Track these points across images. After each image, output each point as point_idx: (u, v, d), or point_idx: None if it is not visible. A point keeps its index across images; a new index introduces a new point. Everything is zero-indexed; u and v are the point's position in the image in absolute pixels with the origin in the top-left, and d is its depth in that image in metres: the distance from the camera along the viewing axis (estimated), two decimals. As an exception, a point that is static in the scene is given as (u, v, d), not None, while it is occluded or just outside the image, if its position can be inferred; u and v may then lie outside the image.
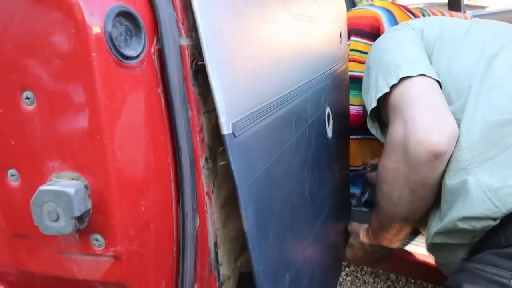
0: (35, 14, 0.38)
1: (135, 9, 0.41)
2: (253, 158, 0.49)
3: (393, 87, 0.81)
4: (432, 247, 0.82)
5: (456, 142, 0.73)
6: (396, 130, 0.77)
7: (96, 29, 0.36)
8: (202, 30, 0.43)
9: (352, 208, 1.40)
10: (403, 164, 0.76)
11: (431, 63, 0.87)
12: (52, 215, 0.40)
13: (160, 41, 0.43)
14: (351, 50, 1.40)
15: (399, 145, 0.76)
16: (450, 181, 0.73)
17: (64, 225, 0.40)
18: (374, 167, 1.33)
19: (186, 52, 0.45)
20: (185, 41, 0.45)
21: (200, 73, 0.47)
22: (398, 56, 0.86)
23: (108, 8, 0.38)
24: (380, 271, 1.66)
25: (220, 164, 0.50)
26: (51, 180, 0.42)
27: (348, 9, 2.41)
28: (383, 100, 0.84)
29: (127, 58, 0.39)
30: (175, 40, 0.43)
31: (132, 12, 0.40)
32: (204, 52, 0.43)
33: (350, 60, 1.39)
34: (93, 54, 0.37)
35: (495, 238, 0.67)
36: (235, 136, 0.46)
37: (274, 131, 0.56)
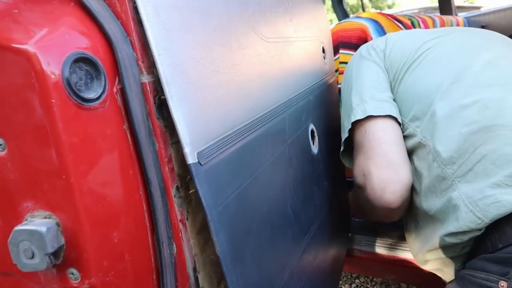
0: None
1: (95, 53, 0.44)
2: (223, 184, 0.51)
3: (355, 123, 0.88)
4: (423, 263, 0.85)
5: (437, 161, 0.75)
6: (357, 177, 0.86)
7: (53, 77, 0.39)
8: (161, 66, 0.45)
9: (356, 219, 1.40)
10: (366, 199, 0.85)
11: (398, 82, 0.89)
12: (27, 253, 0.42)
13: (121, 81, 0.45)
14: (340, 62, 1.42)
15: (361, 189, 0.86)
16: (439, 200, 0.74)
17: (39, 262, 0.42)
18: None
19: (148, 88, 0.47)
20: (146, 78, 0.47)
21: (164, 107, 0.49)
22: (359, 93, 0.91)
23: (65, 56, 0.40)
24: (390, 282, 1.64)
25: (190, 192, 0.52)
26: (26, 220, 0.44)
27: (340, 20, 2.44)
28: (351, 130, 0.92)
29: (87, 100, 0.42)
30: (135, 78, 0.46)
31: (90, 57, 0.43)
32: (164, 87, 0.46)
33: (341, 73, 1.41)
34: (53, 100, 0.39)
35: (483, 245, 0.68)
36: (201, 165, 0.47)
37: (246, 155, 0.57)
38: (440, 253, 0.76)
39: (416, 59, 0.87)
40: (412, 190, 0.82)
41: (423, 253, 0.82)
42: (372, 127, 0.85)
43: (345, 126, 0.91)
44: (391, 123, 0.84)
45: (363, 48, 1.01)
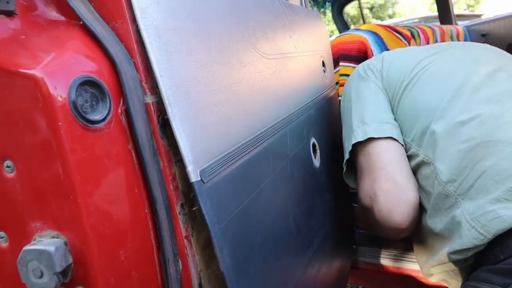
0: (8, 92, 0.42)
1: (100, 76, 0.45)
2: (226, 200, 0.52)
3: (357, 145, 0.88)
4: (429, 276, 0.85)
5: (438, 179, 0.75)
6: (364, 199, 0.86)
7: (60, 100, 0.40)
8: (163, 87, 0.47)
9: (360, 231, 1.40)
10: (374, 221, 0.84)
11: (397, 102, 0.90)
12: (36, 273, 0.43)
13: (125, 102, 0.47)
14: (341, 75, 1.43)
15: (368, 211, 0.85)
16: (444, 218, 0.75)
17: (48, 281, 0.43)
18: None
19: (152, 108, 0.49)
20: (150, 99, 0.49)
21: (168, 126, 0.50)
22: (359, 114, 0.91)
23: (71, 80, 0.42)
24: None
25: (194, 209, 0.53)
26: (34, 240, 0.45)
27: (340, 31, 2.46)
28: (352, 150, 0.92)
29: (93, 122, 0.43)
30: (139, 99, 0.47)
31: (95, 80, 0.44)
32: (167, 107, 0.47)
33: (341, 85, 1.43)
34: (60, 123, 0.40)
35: (486, 258, 0.68)
36: (204, 182, 0.49)
37: (248, 171, 0.58)
38: (444, 267, 0.77)
39: (413, 78, 0.88)
40: (421, 207, 0.82)
41: (428, 267, 0.82)
42: (375, 149, 0.85)
43: (346, 148, 0.91)
44: (393, 144, 0.84)
45: (359, 68, 1.01)
